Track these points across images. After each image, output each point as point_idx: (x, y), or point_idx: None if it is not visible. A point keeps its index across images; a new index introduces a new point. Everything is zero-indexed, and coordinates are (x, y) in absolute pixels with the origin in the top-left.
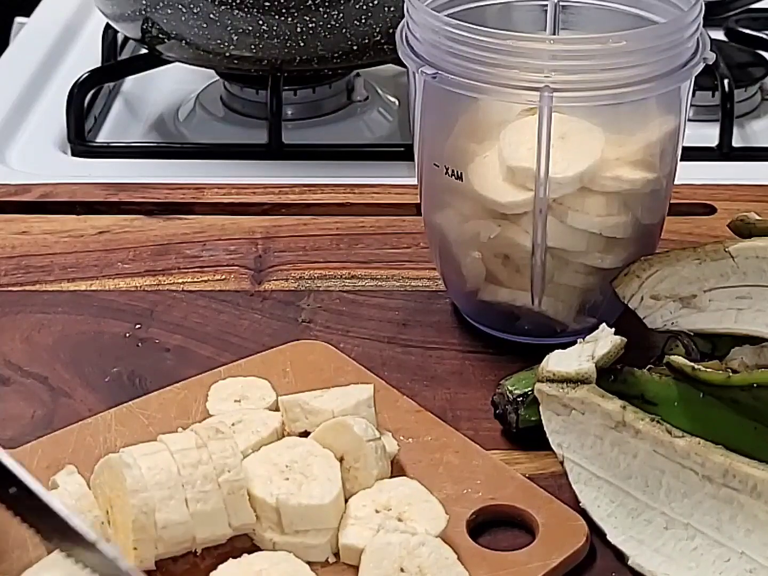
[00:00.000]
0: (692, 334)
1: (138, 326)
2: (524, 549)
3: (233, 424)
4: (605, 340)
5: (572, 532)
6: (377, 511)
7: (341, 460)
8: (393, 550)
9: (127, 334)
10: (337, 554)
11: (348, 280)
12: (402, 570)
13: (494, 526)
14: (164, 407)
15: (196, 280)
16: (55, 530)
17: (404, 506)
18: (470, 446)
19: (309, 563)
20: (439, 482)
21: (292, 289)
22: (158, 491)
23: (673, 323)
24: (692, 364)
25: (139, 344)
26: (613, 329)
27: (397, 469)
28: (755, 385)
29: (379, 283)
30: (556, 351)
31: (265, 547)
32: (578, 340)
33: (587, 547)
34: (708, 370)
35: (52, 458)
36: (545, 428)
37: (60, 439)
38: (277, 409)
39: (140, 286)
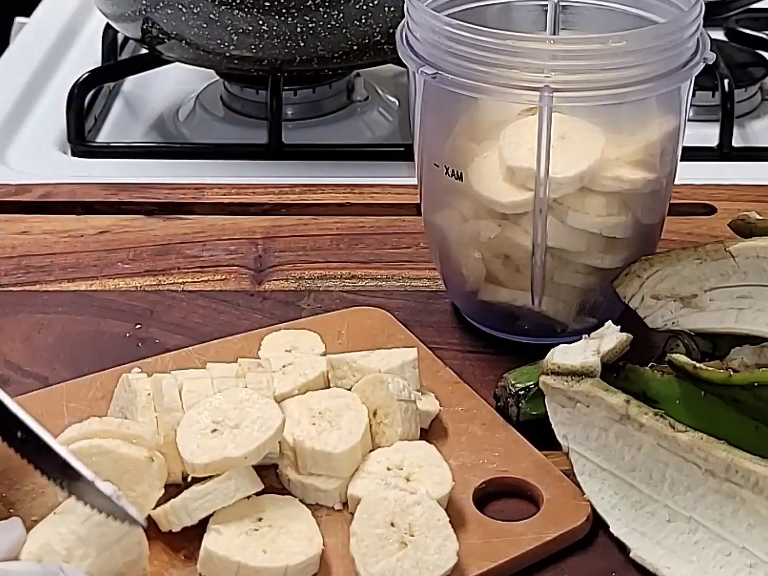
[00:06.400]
0: (693, 333)
1: (138, 326)
2: (523, 521)
3: (284, 366)
4: (611, 337)
5: (574, 510)
6: (389, 469)
7: (375, 413)
8: (388, 505)
9: (127, 334)
10: (346, 504)
11: (348, 280)
12: (392, 525)
13: (503, 497)
14: (221, 354)
15: (196, 280)
16: (58, 471)
17: (415, 468)
18: (498, 420)
19: (318, 507)
20: (458, 450)
21: (292, 289)
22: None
23: (673, 323)
24: (693, 362)
25: (139, 344)
26: (619, 327)
27: (422, 433)
28: (756, 384)
29: (379, 283)
30: (561, 345)
31: (282, 481)
32: (583, 337)
33: (587, 527)
34: (709, 368)
35: (107, 390)
36: (551, 419)
37: (116, 373)
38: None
39: (140, 286)
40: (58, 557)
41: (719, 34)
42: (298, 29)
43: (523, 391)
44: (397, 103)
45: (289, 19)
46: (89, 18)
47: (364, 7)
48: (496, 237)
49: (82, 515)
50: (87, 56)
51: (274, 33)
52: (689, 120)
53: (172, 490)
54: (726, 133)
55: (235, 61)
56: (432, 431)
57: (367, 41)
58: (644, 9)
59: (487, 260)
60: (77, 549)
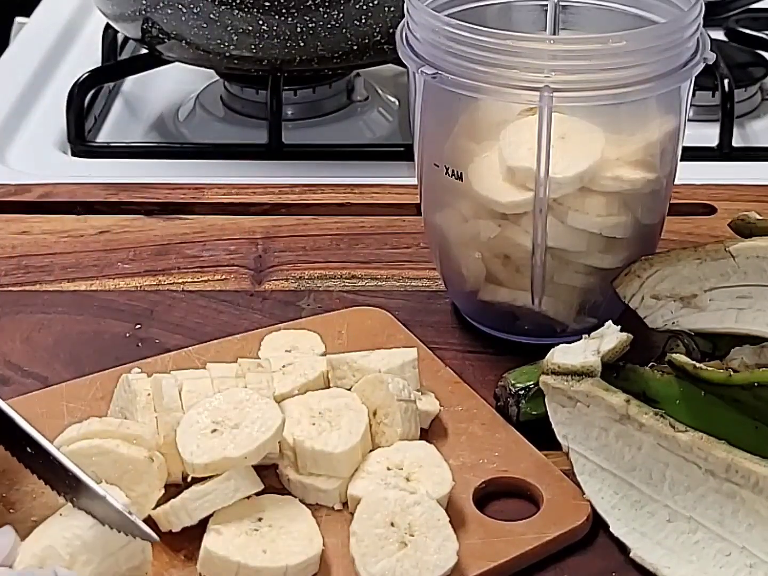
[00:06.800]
0: (693, 333)
1: (138, 326)
2: (523, 521)
3: (284, 366)
4: (611, 336)
5: (574, 510)
6: (389, 469)
7: (374, 413)
8: (387, 505)
9: (127, 334)
10: (346, 504)
11: (348, 280)
12: (392, 525)
13: (503, 497)
14: (221, 354)
15: (196, 280)
16: (67, 486)
17: (415, 468)
18: (498, 420)
19: (318, 507)
20: (458, 450)
21: (292, 289)
22: None
23: (673, 323)
24: (693, 362)
25: (139, 344)
26: (619, 326)
27: (422, 433)
28: (756, 384)
29: (379, 283)
30: (562, 345)
31: (282, 481)
32: (583, 336)
33: (587, 527)
34: (709, 368)
35: (107, 390)
36: (551, 419)
37: (116, 373)
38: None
39: (140, 286)
40: (60, 561)
41: (719, 34)
42: (298, 29)
43: (523, 391)
44: (397, 103)
45: (289, 19)
46: (89, 18)
47: (364, 7)
48: (496, 237)
49: (89, 520)
50: (87, 56)
51: (274, 33)
52: (689, 120)
53: (172, 490)
54: (726, 133)
55: (235, 61)
56: (432, 431)
57: (367, 41)
58: (644, 9)
59: (487, 260)
60: (81, 555)
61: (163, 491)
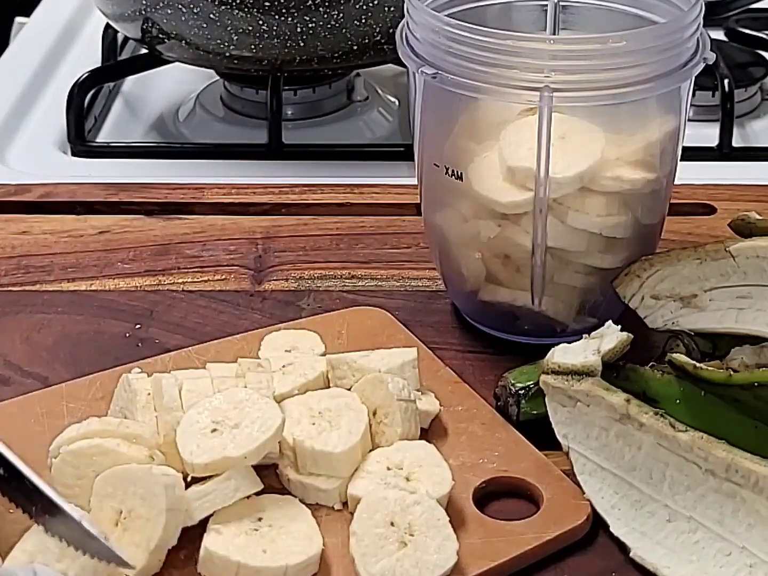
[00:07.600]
0: (693, 333)
1: (138, 326)
2: (523, 520)
3: (284, 366)
4: (611, 336)
5: (574, 510)
6: (389, 469)
7: (374, 413)
8: (387, 505)
9: (127, 334)
10: (346, 504)
11: (348, 280)
12: (392, 524)
13: (503, 496)
14: (221, 354)
15: (196, 280)
16: (42, 510)
17: (415, 467)
18: (498, 420)
19: (318, 507)
20: (458, 450)
21: (292, 289)
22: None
23: (673, 323)
24: (693, 362)
25: (139, 344)
26: (619, 326)
27: (422, 433)
28: (756, 384)
29: (379, 283)
30: (562, 344)
31: (282, 481)
32: (584, 336)
33: (587, 526)
34: (709, 368)
35: (107, 390)
36: (551, 419)
37: (116, 373)
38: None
39: (140, 286)
40: (50, 555)
41: (719, 34)
42: (298, 29)
43: (523, 391)
44: (397, 103)
45: (289, 19)
46: (89, 18)
47: (364, 7)
48: (496, 237)
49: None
50: (87, 56)
51: (274, 33)
52: (689, 120)
53: None
54: (726, 133)
55: (235, 61)
56: (432, 431)
57: (367, 41)
58: (644, 9)
59: (487, 260)
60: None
61: None
